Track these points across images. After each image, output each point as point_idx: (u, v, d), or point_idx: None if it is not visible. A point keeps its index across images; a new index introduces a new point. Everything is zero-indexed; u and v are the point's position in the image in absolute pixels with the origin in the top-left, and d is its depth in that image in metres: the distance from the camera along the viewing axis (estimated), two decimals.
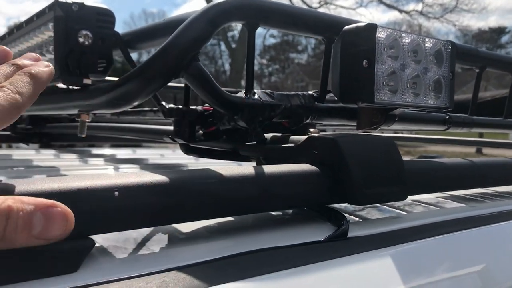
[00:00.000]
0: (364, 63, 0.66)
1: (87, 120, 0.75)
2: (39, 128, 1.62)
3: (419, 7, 24.27)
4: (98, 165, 1.15)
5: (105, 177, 0.43)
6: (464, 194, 0.87)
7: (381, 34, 0.67)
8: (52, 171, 1.02)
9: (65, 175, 0.45)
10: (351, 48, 0.66)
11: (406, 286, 0.49)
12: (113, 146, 1.98)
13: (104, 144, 2.02)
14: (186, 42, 0.61)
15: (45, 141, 1.70)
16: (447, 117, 0.94)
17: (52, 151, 1.51)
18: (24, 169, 1.08)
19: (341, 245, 0.52)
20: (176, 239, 0.51)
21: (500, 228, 0.67)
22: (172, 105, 0.77)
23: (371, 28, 0.66)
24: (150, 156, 1.45)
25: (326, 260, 0.48)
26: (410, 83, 0.72)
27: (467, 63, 0.95)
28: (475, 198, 0.84)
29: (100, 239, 0.47)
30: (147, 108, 1.11)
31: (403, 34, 0.71)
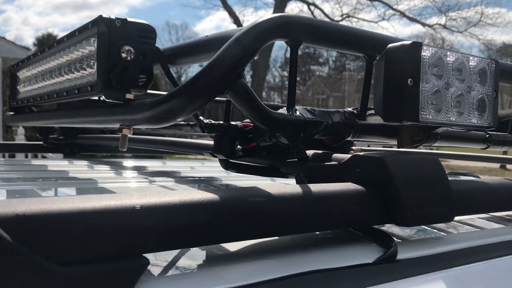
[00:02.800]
0: (409, 82, 0.65)
1: (129, 135, 0.76)
2: (70, 139, 1.64)
3: (443, 20, 24.06)
4: (134, 178, 1.16)
5: (158, 195, 0.43)
6: (506, 215, 0.84)
7: (426, 53, 0.67)
8: (91, 184, 1.03)
9: (116, 192, 0.45)
10: (396, 66, 0.66)
11: None
12: (136, 157, 2.00)
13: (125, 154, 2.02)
14: (232, 60, 0.61)
15: (76, 152, 1.72)
16: (487, 135, 0.92)
17: (85, 162, 1.53)
18: (65, 182, 1.09)
19: (391, 268, 0.51)
20: (224, 258, 0.51)
21: None
22: (212, 121, 0.77)
23: (417, 46, 0.65)
24: (181, 168, 1.45)
25: (377, 284, 0.48)
26: (454, 101, 0.70)
27: (509, 81, 0.93)
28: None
29: (151, 257, 0.47)
30: (183, 122, 1.12)
31: (448, 53, 0.70)
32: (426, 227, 0.72)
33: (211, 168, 1.53)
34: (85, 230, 0.38)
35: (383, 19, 25.38)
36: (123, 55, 0.74)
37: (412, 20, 24.90)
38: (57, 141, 1.66)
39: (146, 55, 0.76)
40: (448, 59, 0.70)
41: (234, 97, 0.63)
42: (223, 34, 0.73)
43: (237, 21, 24.80)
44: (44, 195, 0.98)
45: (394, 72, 0.65)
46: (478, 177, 1.89)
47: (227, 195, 0.47)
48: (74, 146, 1.68)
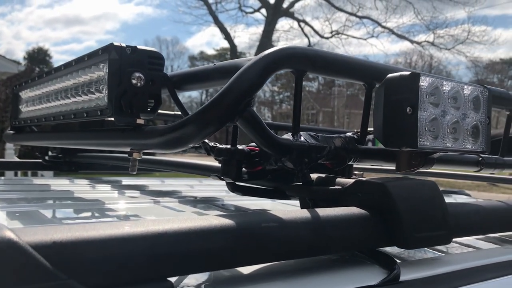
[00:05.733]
0: (408, 110, 0.68)
1: (139, 158, 0.79)
2: (69, 157, 1.66)
3: (431, 38, 24.47)
4: (138, 198, 1.18)
5: (180, 221, 0.46)
6: (500, 236, 0.88)
7: (423, 82, 0.70)
8: (97, 205, 1.05)
9: (142, 219, 0.48)
10: (395, 95, 0.69)
11: None
12: (127, 174, 2.00)
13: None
14: (241, 90, 0.64)
15: (74, 170, 1.74)
16: (480, 159, 0.96)
17: (85, 181, 1.55)
18: (72, 203, 1.11)
19: None
20: (238, 281, 0.53)
21: None
22: (217, 144, 0.80)
23: (415, 76, 0.69)
24: (181, 187, 1.48)
25: None
26: (450, 128, 0.74)
27: (499, 106, 0.98)
28: (506, 237, 0.86)
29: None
30: None
31: (444, 82, 0.74)
32: (425, 249, 0.75)
33: (210, 187, 1.55)
34: (115, 255, 0.41)
35: (372, 36, 25.77)
36: (134, 81, 0.77)
37: (401, 37, 25.29)
38: (56, 159, 1.68)
39: (155, 81, 0.79)
40: (444, 88, 0.74)
41: (243, 124, 0.67)
42: (231, 63, 0.76)
43: (228, 37, 24.99)
44: (50, 216, 1.00)
45: (393, 100, 0.69)
46: (469, 195, 1.93)
47: (242, 220, 0.50)
48: (73, 164, 1.69)
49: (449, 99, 0.74)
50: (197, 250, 0.45)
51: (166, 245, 0.44)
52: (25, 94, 1.27)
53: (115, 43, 0.78)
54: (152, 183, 1.59)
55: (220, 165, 0.79)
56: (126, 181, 1.63)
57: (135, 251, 0.42)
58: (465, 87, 0.77)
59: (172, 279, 0.44)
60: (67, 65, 0.98)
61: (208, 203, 1.14)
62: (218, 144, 0.81)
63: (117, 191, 1.31)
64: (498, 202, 0.82)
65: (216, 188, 1.48)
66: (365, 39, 25.88)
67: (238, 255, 0.48)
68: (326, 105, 35.16)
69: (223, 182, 0.82)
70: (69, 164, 1.71)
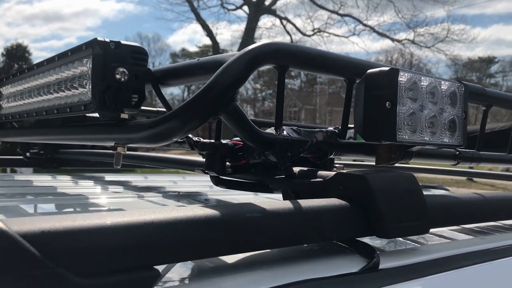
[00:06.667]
0: (387, 105, 0.70)
1: (123, 152, 0.79)
2: (51, 154, 1.65)
3: (411, 36, 24.75)
4: (122, 193, 1.19)
5: (166, 211, 0.47)
6: (475, 227, 0.91)
7: (402, 78, 0.72)
8: (81, 199, 1.05)
9: (128, 210, 0.49)
10: (375, 91, 0.71)
11: None
12: (111, 171, 1.99)
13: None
14: (225, 85, 0.66)
15: (56, 166, 1.73)
16: (457, 152, 0.99)
17: (68, 177, 1.54)
18: (54, 198, 1.11)
19: (374, 277, 0.56)
20: (223, 269, 0.55)
21: None
22: (201, 139, 0.81)
23: (394, 72, 0.71)
24: (165, 183, 1.48)
25: None
26: (427, 122, 0.77)
27: (475, 101, 1.01)
28: (485, 231, 0.89)
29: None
30: None
31: (422, 77, 0.76)
32: (403, 239, 0.77)
33: (193, 182, 1.56)
34: (102, 244, 0.42)
35: (354, 34, 25.94)
36: (117, 76, 0.77)
37: (382, 35, 25.52)
38: (38, 156, 1.66)
39: (139, 76, 0.80)
40: (422, 83, 0.76)
41: (227, 118, 0.68)
42: (214, 58, 0.78)
43: (210, 34, 24.90)
44: (31, 211, 1.00)
45: (373, 95, 0.71)
46: (448, 189, 1.98)
47: (227, 211, 0.52)
48: (55, 160, 1.68)
49: (427, 94, 0.77)
50: (183, 240, 0.47)
51: (153, 235, 0.45)
52: (6, 90, 1.26)
53: (99, 38, 0.79)
54: (136, 179, 1.59)
55: (204, 159, 0.80)
56: (109, 177, 1.63)
57: (122, 240, 0.43)
58: (443, 82, 0.80)
59: (159, 268, 0.45)
60: (50, 60, 0.97)
61: (191, 197, 1.15)
62: (202, 139, 0.82)
63: (100, 187, 1.31)
64: (474, 195, 0.85)
65: (200, 183, 1.49)
66: (347, 37, 26.05)
67: (222, 244, 0.50)
68: (308, 102, 35.33)
69: (207, 178, 0.83)
70: (51, 161, 1.70)
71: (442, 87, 0.79)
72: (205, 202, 1.11)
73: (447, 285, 0.60)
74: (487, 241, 0.79)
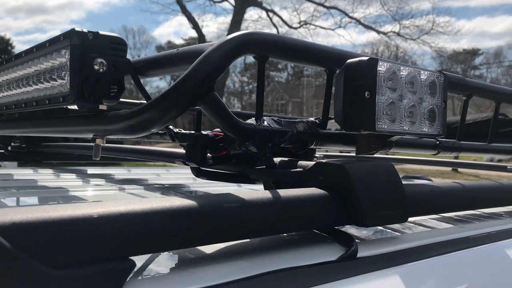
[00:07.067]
0: (366, 94, 0.71)
1: (102, 144, 0.78)
2: (33, 147, 1.63)
3: (396, 28, 24.85)
4: (103, 186, 1.18)
5: (143, 202, 0.47)
6: (454, 216, 0.92)
7: (381, 68, 0.73)
8: (62, 192, 1.04)
9: (93, 201, 0.48)
10: (354, 80, 0.71)
11: None
12: (92, 164, 1.97)
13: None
14: (204, 74, 0.65)
15: (38, 160, 1.71)
16: (438, 142, 1.00)
17: (50, 171, 1.53)
18: (36, 191, 1.10)
19: (352, 265, 0.56)
20: (202, 260, 0.55)
21: (491, 249, 0.73)
22: (181, 130, 0.80)
23: (373, 62, 0.71)
24: (147, 176, 1.48)
25: (340, 279, 0.53)
26: (407, 112, 0.77)
27: (455, 91, 1.02)
28: (465, 219, 0.90)
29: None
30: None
31: (401, 67, 0.76)
32: (382, 228, 0.78)
33: (177, 175, 1.55)
34: (76, 235, 0.41)
35: (340, 26, 25.97)
36: (96, 67, 0.77)
37: (367, 27, 25.59)
38: (19, 149, 1.64)
39: (118, 67, 0.79)
40: (402, 73, 0.76)
41: (206, 108, 0.67)
42: (194, 48, 0.77)
43: (196, 27, 24.75)
44: (12, 204, 0.98)
45: (352, 85, 0.71)
46: (431, 180, 2.00)
47: (205, 201, 0.51)
48: (37, 154, 1.66)
49: (406, 83, 0.77)
50: (159, 230, 0.46)
51: (128, 225, 0.44)
52: None
53: (77, 29, 0.78)
54: (119, 172, 1.58)
55: (184, 151, 0.80)
56: (91, 170, 1.62)
57: (96, 231, 0.42)
58: (422, 72, 0.80)
59: (135, 258, 0.45)
60: (28, 51, 0.96)
61: (174, 189, 1.14)
62: (182, 130, 0.82)
63: (82, 180, 1.30)
64: (453, 184, 0.86)
65: (183, 176, 1.49)
66: (333, 30, 26.08)
67: (201, 235, 0.50)
68: (295, 95, 35.36)
69: (189, 171, 0.82)
70: (33, 154, 1.67)
71: (422, 77, 0.79)
72: (188, 194, 1.10)
73: (425, 273, 0.60)
74: (465, 230, 0.80)
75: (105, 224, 0.43)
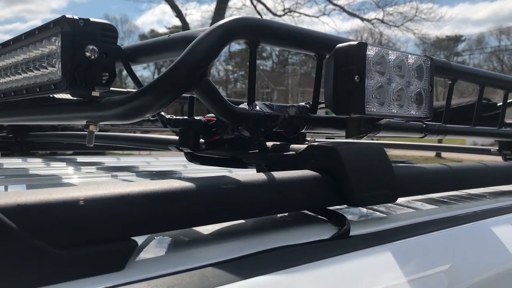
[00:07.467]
0: (356, 78, 0.72)
1: (95, 131, 0.79)
2: (21, 137, 1.62)
3: (380, 15, 24.91)
4: (95, 173, 1.18)
5: (142, 184, 0.48)
6: (439, 197, 0.95)
7: (370, 52, 0.74)
8: (54, 180, 1.04)
9: (104, 182, 0.49)
10: (344, 65, 0.73)
11: (403, 276, 0.55)
12: (80, 153, 1.96)
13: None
14: (197, 59, 0.66)
15: (26, 150, 1.70)
16: (424, 125, 1.02)
17: (39, 160, 1.52)
18: (26, 179, 1.10)
19: (345, 243, 0.58)
20: (202, 239, 0.56)
21: (477, 227, 0.76)
22: (173, 116, 0.81)
23: (362, 46, 0.73)
24: (138, 163, 1.48)
25: (334, 256, 0.55)
26: (395, 95, 0.79)
27: (441, 75, 1.04)
28: (451, 201, 0.92)
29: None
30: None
31: (389, 51, 0.78)
32: (373, 210, 0.80)
33: (167, 162, 1.56)
34: (79, 216, 0.42)
35: (324, 14, 25.93)
36: (87, 54, 0.77)
37: (352, 15, 25.58)
38: (6, 139, 1.63)
39: (109, 54, 0.79)
40: (390, 57, 0.78)
41: (199, 93, 0.68)
42: (185, 34, 0.77)
43: (179, 15, 24.50)
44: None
45: (342, 70, 0.73)
46: (416, 164, 2.04)
47: (203, 183, 0.53)
48: (25, 144, 1.65)
49: (394, 67, 0.79)
50: (159, 211, 0.47)
51: (130, 206, 0.45)
52: None
53: (67, 16, 0.78)
54: (109, 160, 1.58)
55: (177, 138, 0.81)
56: (81, 159, 1.62)
57: (99, 212, 0.43)
58: (409, 56, 0.82)
59: (137, 239, 0.46)
60: (16, 39, 0.95)
61: (166, 176, 1.15)
62: (174, 116, 0.83)
63: (72, 168, 1.30)
64: (440, 165, 0.88)
65: (174, 163, 1.50)
66: (317, 17, 26.03)
67: (199, 215, 0.51)
68: (280, 83, 35.35)
69: (181, 158, 0.84)
70: (20, 144, 1.67)
71: (409, 61, 0.81)
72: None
73: (414, 249, 0.63)
74: (451, 210, 0.82)
75: (107, 205, 0.44)
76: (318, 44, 0.81)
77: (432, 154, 16.40)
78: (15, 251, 0.39)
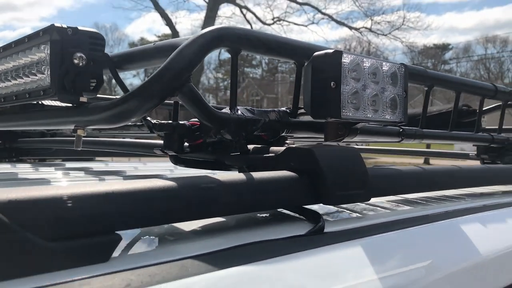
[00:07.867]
0: (332, 85, 0.76)
1: (83, 135, 0.82)
2: (9, 143, 1.64)
3: (368, 24, 25.20)
4: (83, 178, 1.21)
5: (127, 183, 0.52)
6: (411, 198, 0.99)
7: (345, 59, 0.78)
8: (45, 183, 1.07)
9: (90, 182, 0.53)
10: (321, 72, 0.77)
11: (374, 270, 0.59)
12: (68, 160, 1.98)
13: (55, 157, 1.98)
14: (180, 66, 0.70)
15: (14, 156, 1.72)
16: (401, 130, 1.06)
17: (28, 165, 1.54)
18: (15, 183, 1.12)
19: (319, 239, 0.62)
20: (183, 235, 0.60)
21: (447, 225, 0.80)
22: (159, 121, 0.85)
23: (338, 54, 0.77)
24: (126, 168, 1.51)
25: (308, 250, 0.58)
26: (370, 101, 0.83)
27: (417, 82, 1.08)
28: (424, 202, 0.97)
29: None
30: (130, 123, 1.18)
31: (364, 59, 0.82)
32: (348, 210, 0.84)
33: (154, 167, 1.59)
34: (68, 211, 0.46)
35: (313, 22, 26.19)
36: (76, 61, 0.80)
37: (340, 23, 25.86)
38: None
39: (96, 61, 0.83)
40: (365, 64, 0.82)
41: (183, 98, 0.72)
42: (169, 42, 0.81)
43: (169, 23, 24.56)
44: None
45: (319, 76, 0.77)
46: None
47: (185, 182, 0.56)
48: (13, 150, 1.67)
49: (369, 74, 0.83)
50: (143, 207, 0.51)
51: (114, 202, 0.49)
52: None
53: (56, 24, 0.81)
54: (97, 165, 1.61)
55: (162, 142, 0.84)
56: (70, 164, 1.64)
57: (85, 207, 0.47)
58: (384, 63, 0.86)
59: (121, 234, 0.49)
60: (6, 47, 0.98)
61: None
62: (160, 121, 0.86)
63: (61, 172, 1.33)
64: (414, 167, 0.92)
65: (160, 168, 1.53)
66: (306, 26, 26.30)
67: (181, 212, 0.54)
68: (270, 91, 35.53)
69: (167, 164, 0.87)
70: (9, 151, 1.68)
71: (384, 68, 0.85)
72: None
73: (384, 245, 0.66)
74: (422, 210, 0.86)
75: (93, 201, 0.47)
76: (297, 52, 0.85)
77: (420, 161, 16.58)
78: (7, 242, 0.42)
